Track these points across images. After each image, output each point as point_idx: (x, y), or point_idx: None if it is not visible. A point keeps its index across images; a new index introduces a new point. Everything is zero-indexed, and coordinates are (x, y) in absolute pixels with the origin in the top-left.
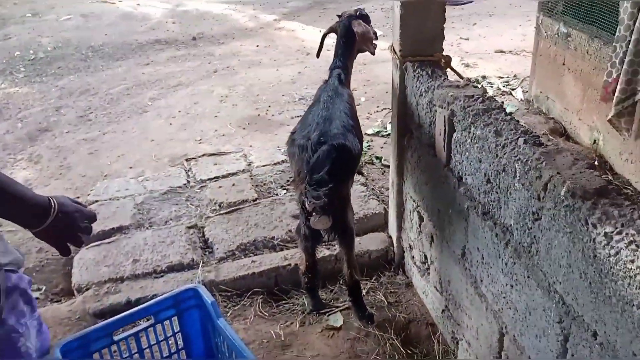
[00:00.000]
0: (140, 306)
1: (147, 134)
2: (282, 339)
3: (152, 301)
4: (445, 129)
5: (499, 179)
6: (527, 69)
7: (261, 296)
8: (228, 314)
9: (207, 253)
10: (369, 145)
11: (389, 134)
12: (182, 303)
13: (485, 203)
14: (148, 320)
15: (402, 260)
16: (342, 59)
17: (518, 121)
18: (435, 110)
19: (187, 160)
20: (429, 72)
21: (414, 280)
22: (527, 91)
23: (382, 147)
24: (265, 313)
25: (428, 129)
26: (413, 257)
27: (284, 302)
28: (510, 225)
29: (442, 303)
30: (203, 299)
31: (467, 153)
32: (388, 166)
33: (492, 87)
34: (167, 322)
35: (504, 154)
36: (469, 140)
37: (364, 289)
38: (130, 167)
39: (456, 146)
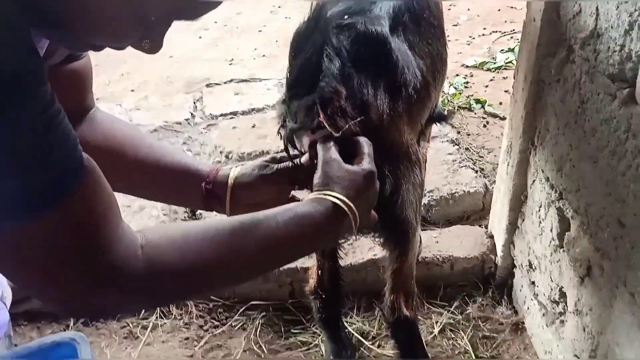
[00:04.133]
0: None
1: (166, 49)
2: None
3: None
4: None
5: None
6: None
7: (263, 314)
8: (201, 343)
9: None
10: (467, 83)
11: (498, 67)
12: None
13: None
14: None
15: (511, 280)
16: None
17: None
18: None
19: (207, 86)
20: None
21: (528, 322)
22: None
23: (486, 86)
24: (263, 347)
25: (621, 41)
26: (534, 285)
27: (299, 327)
28: None
29: None
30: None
31: None
32: (496, 116)
33: None
34: None
35: None
36: None
37: (438, 323)
38: (132, 90)
39: None
